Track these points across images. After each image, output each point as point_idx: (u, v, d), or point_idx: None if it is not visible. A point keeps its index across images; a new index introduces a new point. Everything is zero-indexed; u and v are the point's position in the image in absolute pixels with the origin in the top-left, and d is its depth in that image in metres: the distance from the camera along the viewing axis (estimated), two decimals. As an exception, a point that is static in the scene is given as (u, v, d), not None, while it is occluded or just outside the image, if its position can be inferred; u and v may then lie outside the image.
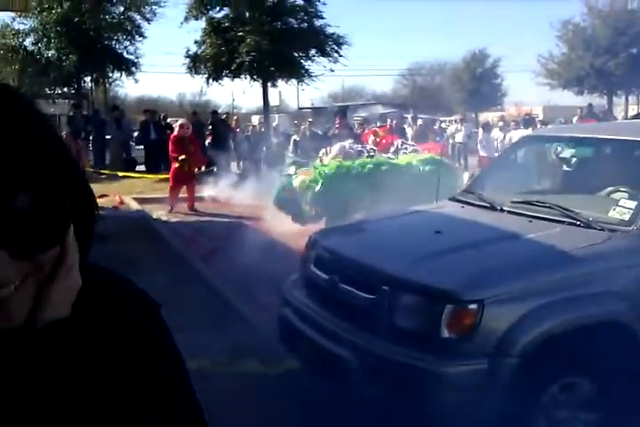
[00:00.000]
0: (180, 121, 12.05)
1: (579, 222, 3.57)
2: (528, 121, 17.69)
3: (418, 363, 2.97)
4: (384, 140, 13.14)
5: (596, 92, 27.23)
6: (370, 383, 3.12)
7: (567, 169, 4.80)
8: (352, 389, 3.24)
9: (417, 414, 3.03)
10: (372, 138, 13.76)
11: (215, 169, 14.92)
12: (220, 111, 23.93)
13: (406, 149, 10.86)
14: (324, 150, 10.84)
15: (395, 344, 3.08)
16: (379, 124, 18.39)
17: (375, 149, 10.86)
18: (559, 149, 4.84)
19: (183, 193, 11.14)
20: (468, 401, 2.93)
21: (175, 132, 11.32)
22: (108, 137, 17.13)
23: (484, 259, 3.28)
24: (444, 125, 21.89)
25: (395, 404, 3.06)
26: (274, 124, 20.68)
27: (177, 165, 10.78)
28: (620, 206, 3.62)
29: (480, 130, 17.91)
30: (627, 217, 3.50)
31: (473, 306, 2.96)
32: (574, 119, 18.65)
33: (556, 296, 3.04)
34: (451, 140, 18.65)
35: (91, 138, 17.19)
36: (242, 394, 3.97)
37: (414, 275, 3.20)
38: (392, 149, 10.96)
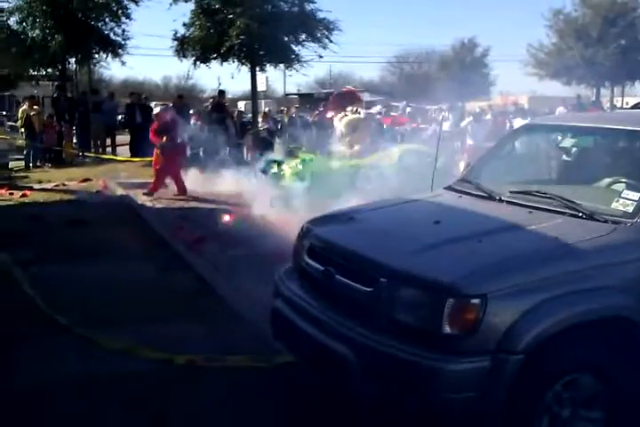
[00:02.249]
0: (159, 108, 11.66)
1: (580, 214, 3.47)
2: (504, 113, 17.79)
3: (418, 359, 2.84)
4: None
5: (584, 82, 27.20)
6: (368, 380, 3.00)
7: (567, 159, 4.68)
8: (349, 385, 3.12)
9: (417, 413, 2.91)
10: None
11: (201, 153, 14.75)
12: (205, 96, 23.58)
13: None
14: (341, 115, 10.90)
15: (394, 340, 2.95)
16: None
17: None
18: (559, 138, 4.72)
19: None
20: (470, 400, 2.81)
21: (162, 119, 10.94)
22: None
23: (487, 251, 3.16)
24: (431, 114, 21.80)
25: (394, 401, 2.95)
26: (265, 109, 20.42)
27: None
28: (623, 198, 3.52)
29: (469, 118, 17.81)
30: (630, 209, 3.41)
31: (476, 300, 2.84)
32: (557, 110, 18.60)
33: (561, 290, 2.93)
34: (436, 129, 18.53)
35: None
36: (233, 390, 3.86)
37: (414, 267, 3.08)
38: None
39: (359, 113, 11.77)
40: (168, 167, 10.66)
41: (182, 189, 10.77)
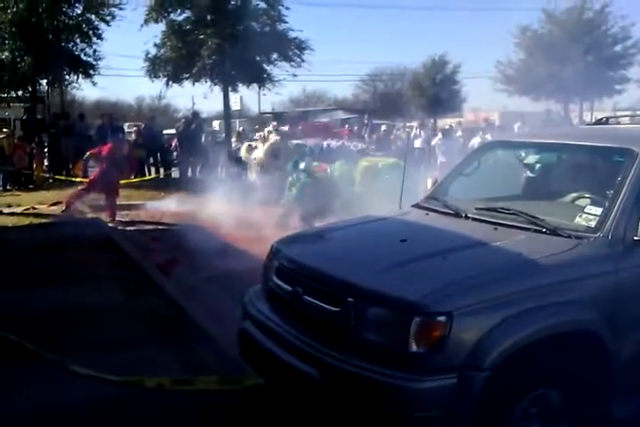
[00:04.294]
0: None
1: (545, 229, 3.51)
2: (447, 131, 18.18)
3: (385, 379, 2.84)
4: None
5: (552, 98, 27.64)
6: (335, 400, 2.99)
7: (531, 175, 4.74)
8: (317, 406, 3.10)
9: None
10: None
11: (172, 174, 14.71)
12: (179, 115, 23.63)
13: None
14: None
15: (361, 359, 2.95)
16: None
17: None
18: (523, 154, 4.78)
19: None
20: (439, 418, 2.81)
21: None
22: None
23: (452, 268, 3.18)
24: (400, 132, 21.94)
25: (362, 421, 2.93)
26: (239, 128, 20.48)
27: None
28: (585, 213, 3.57)
29: (439, 135, 18.02)
30: (593, 224, 3.45)
31: (441, 318, 2.85)
32: (515, 126, 18.89)
33: (526, 306, 2.96)
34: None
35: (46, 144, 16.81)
36: (201, 413, 3.81)
37: (380, 286, 3.08)
38: None
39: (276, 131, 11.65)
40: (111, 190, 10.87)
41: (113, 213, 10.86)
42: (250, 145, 11.77)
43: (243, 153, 11.30)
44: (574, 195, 3.99)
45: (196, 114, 18.59)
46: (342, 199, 8.57)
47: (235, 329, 3.95)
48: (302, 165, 9.59)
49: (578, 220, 3.54)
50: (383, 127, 20.97)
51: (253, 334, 3.63)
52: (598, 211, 3.50)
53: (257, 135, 10.90)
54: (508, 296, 2.97)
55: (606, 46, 26.62)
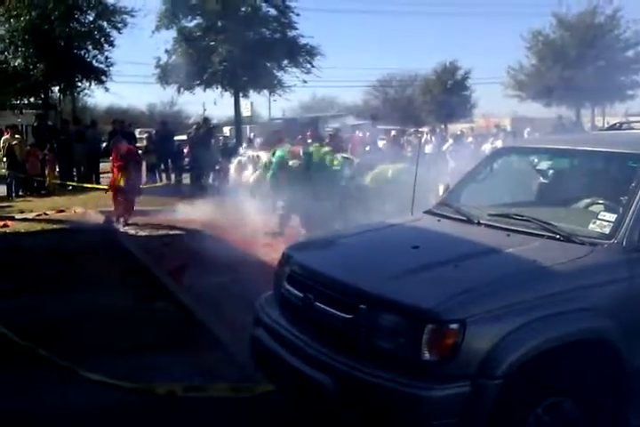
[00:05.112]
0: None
1: (558, 236, 3.48)
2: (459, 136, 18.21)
3: (398, 387, 2.82)
4: None
5: (564, 103, 27.55)
6: (348, 408, 2.96)
7: (544, 181, 4.72)
8: (329, 414, 3.08)
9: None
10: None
11: (183, 180, 14.74)
12: (191, 121, 23.74)
13: None
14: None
15: (373, 367, 2.93)
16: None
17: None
18: (536, 160, 4.76)
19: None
20: (452, 426, 2.78)
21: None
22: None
23: (464, 275, 3.15)
24: (411, 138, 21.89)
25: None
26: (250, 135, 20.56)
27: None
28: (599, 219, 3.53)
29: (450, 141, 18.00)
30: (607, 230, 3.42)
31: (454, 326, 2.83)
32: (525, 131, 18.82)
33: (540, 314, 2.93)
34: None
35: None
36: (213, 420, 3.79)
37: (392, 293, 3.06)
38: None
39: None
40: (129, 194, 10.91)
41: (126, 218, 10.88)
42: (240, 161, 11.54)
43: (232, 171, 11.05)
44: (588, 201, 3.96)
45: (206, 120, 18.70)
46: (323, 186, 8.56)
47: (246, 335, 3.94)
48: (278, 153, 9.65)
49: (592, 226, 3.51)
50: (393, 133, 20.93)
51: (265, 340, 3.61)
52: (612, 217, 3.47)
53: (248, 154, 10.73)
54: (522, 304, 2.94)
55: (618, 51, 26.51)
